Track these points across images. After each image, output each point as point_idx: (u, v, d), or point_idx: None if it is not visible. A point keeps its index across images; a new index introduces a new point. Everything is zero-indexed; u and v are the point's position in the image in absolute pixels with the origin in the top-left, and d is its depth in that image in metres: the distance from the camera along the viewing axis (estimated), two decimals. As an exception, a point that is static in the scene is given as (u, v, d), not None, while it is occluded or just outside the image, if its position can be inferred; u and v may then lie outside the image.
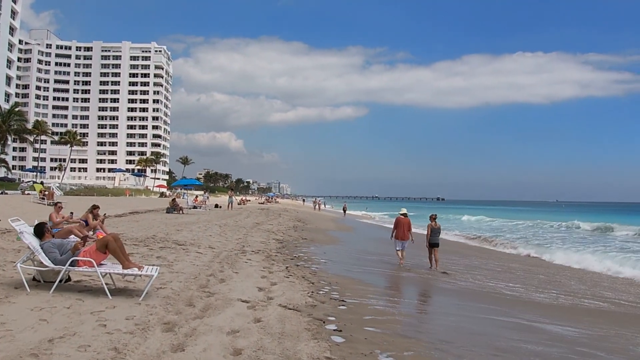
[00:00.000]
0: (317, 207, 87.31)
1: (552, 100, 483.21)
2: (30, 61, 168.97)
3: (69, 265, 8.63)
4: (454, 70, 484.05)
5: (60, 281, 8.97)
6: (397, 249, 18.73)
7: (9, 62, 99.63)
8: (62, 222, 17.27)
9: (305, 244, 23.01)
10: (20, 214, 27.04)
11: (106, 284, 8.93)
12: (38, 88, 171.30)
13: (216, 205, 58.85)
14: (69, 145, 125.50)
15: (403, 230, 18.72)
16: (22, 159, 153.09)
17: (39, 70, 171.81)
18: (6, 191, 59.74)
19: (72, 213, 18.70)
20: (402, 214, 19.22)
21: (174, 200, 43.21)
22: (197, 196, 67.90)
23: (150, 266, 9.53)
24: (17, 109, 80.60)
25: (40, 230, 9.16)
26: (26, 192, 55.43)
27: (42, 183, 66.89)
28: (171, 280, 10.52)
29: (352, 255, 21.41)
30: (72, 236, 16.74)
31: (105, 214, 19.16)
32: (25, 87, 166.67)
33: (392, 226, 19.81)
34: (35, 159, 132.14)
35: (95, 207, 17.94)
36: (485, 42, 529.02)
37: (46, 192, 39.03)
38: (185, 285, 10.10)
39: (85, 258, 8.68)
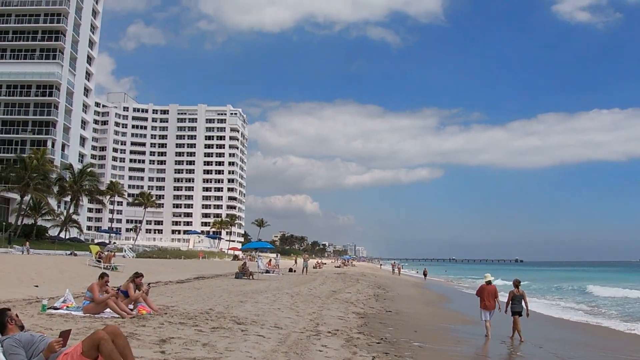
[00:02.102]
0: (396, 271, 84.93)
1: (629, 157, 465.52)
2: (107, 124, 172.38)
3: (42, 377, 5.41)
4: (529, 130, 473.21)
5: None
6: (484, 319, 17.02)
7: (83, 122, 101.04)
8: (104, 300, 13.82)
9: (390, 318, 19.43)
10: (67, 279, 24.53)
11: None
12: (115, 150, 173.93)
13: (290, 270, 56.22)
14: (143, 207, 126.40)
15: (488, 299, 17.00)
16: (99, 220, 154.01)
17: (116, 133, 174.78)
18: (76, 252, 57.97)
19: (114, 288, 15.25)
20: (486, 282, 17.42)
21: (244, 264, 40.99)
22: (270, 260, 65.19)
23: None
24: (89, 170, 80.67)
25: (-2, 321, 5.99)
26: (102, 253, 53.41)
27: (98, 244, 65.42)
28: (212, 389, 7.15)
29: (447, 333, 17.67)
30: (108, 310, 13.78)
31: (149, 284, 15.88)
32: (103, 149, 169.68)
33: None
34: (110, 220, 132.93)
35: (137, 276, 14.92)
36: (560, 101, 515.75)
37: (103, 255, 36.30)
38: (231, 401, 6.71)
39: (65, 367, 5.42)
